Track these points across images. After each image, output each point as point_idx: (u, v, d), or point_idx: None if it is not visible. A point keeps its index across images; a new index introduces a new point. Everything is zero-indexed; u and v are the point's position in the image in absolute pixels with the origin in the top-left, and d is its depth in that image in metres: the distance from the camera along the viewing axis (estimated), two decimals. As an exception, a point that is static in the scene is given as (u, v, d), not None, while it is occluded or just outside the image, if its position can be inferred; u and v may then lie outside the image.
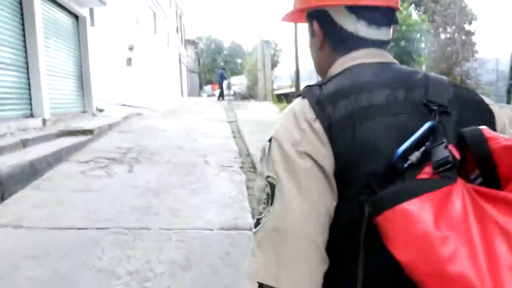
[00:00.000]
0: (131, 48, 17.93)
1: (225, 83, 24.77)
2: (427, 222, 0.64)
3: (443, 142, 0.72)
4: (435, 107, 0.79)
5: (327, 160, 0.77)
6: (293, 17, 1.08)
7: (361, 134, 0.76)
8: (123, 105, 15.19)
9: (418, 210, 0.65)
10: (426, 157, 0.72)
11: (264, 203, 0.81)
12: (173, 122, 11.83)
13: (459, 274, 0.61)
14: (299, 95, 0.88)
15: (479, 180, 0.73)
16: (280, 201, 0.77)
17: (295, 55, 12.02)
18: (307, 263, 0.75)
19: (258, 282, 0.77)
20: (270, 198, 0.79)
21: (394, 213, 0.66)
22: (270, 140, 0.86)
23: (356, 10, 0.91)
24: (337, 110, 0.80)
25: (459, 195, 0.67)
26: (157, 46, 21.35)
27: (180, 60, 33.70)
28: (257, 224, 0.81)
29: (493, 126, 0.84)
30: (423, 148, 0.74)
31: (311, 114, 0.81)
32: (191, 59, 45.20)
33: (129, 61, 17.89)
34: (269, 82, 19.90)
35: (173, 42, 28.50)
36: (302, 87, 1.33)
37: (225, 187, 5.53)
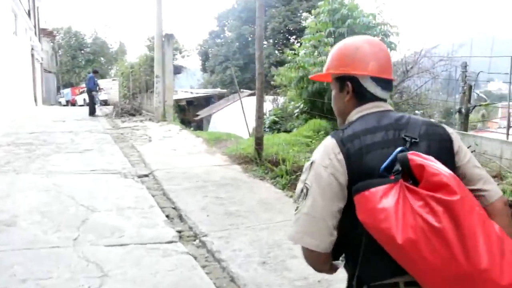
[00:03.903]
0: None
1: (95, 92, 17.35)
2: (375, 201, 1.26)
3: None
4: (408, 139, 1.40)
5: (343, 178, 1.37)
6: (323, 77, 1.69)
7: (365, 161, 1.36)
8: None
9: (371, 195, 1.27)
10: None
11: (301, 198, 1.42)
12: (30, 187, 5.96)
13: (387, 228, 1.22)
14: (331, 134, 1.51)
15: (411, 181, 1.29)
16: (310, 198, 1.38)
17: (258, 59, 7.10)
18: (321, 234, 1.38)
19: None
20: (305, 196, 1.40)
21: (360, 196, 1.29)
22: (311, 162, 1.43)
23: (376, 79, 1.52)
24: (352, 146, 1.38)
25: (397, 189, 1.27)
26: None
27: (33, 55, 26.02)
28: (296, 209, 1.43)
29: (451, 148, 1.47)
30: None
31: (337, 149, 1.39)
32: (47, 55, 36.81)
33: None
34: (170, 95, 14.39)
35: (23, 30, 21.04)
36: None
37: None
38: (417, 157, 1.29)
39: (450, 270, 1.21)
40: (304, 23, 12.38)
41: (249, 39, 36.20)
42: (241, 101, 14.63)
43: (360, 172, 1.34)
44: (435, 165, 1.27)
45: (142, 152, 8.60)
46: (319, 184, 1.37)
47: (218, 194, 5.75)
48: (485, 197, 1.45)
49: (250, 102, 18.80)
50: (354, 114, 1.51)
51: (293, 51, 11.38)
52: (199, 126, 28.40)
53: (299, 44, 12.41)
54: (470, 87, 15.41)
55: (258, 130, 7.19)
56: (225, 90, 34.86)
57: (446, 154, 1.42)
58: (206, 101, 32.78)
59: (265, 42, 37.19)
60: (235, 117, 21.18)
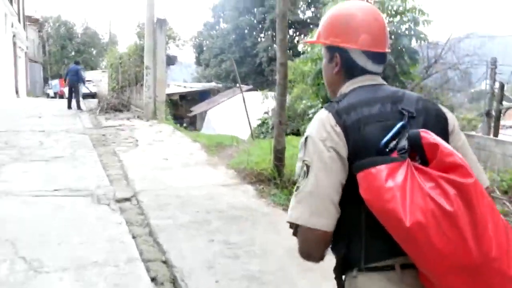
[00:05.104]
0: None
1: (81, 85, 15.76)
2: (381, 180, 1.13)
3: (405, 136, 1.21)
4: (406, 113, 1.28)
5: (343, 150, 1.25)
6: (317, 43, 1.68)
7: (364, 134, 1.25)
8: None
9: (377, 173, 1.15)
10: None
11: (302, 177, 1.28)
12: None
13: (393, 209, 1.09)
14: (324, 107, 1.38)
15: (419, 161, 1.18)
16: (313, 175, 1.25)
17: (280, 44, 5.41)
18: (328, 212, 1.24)
19: (296, 224, 1.27)
20: (306, 174, 1.26)
21: (365, 173, 1.17)
22: (306, 138, 1.31)
23: (367, 53, 1.38)
24: (349, 118, 1.27)
25: (405, 168, 1.15)
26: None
27: (15, 43, 24.04)
28: (297, 189, 1.29)
29: (446, 127, 1.35)
30: (397, 139, 1.22)
31: (333, 121, 1.27)
32: (33, 44, 34.66)
33: None
34: (162, 90, 12.57)
35: (2, 14, 19.13)
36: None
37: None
38: (429, 136, 1.20)
39: (458, 257, 1.09)
40: (302, 16, 10.65)
41: (246, 31, 34.41)
42: (243, 97, 12.93)
43: (359, 145, 1.25)
44: (448, 145, 1.20)
45: (126, 162, 6.79)
46: (320, 159, 1.27)
47: (228, 235, 4.00)
48: None
49: (249, 99, 17.08)
50: (347, 87, 1.43)
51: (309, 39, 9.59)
52: (192, 122, 26.61)
53: (302, 37, 10.63)
54: (503, 86, 13.45)
55: (279, 139, 5.42)
56: (220, 85, 33.00)
57: (441, 132, 1.31)
58: (200, 96, 30.90)
59: (262, 34, 35.35)
60: (233, 114, 19.32)
